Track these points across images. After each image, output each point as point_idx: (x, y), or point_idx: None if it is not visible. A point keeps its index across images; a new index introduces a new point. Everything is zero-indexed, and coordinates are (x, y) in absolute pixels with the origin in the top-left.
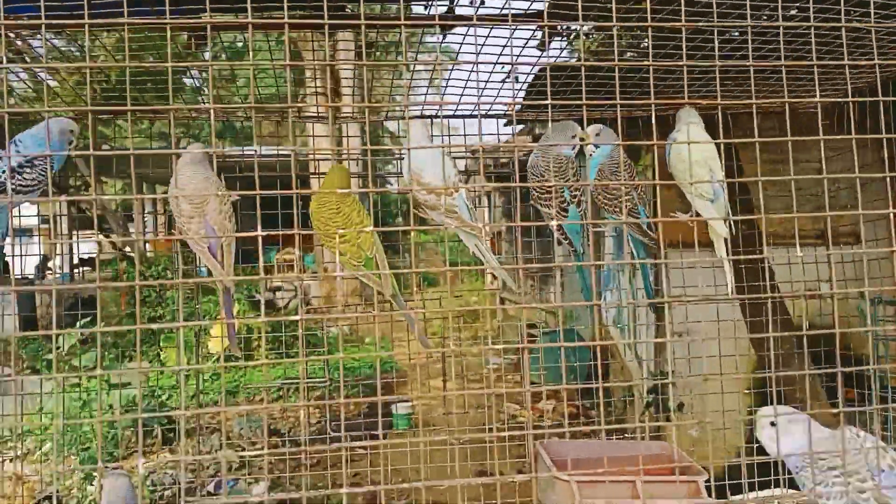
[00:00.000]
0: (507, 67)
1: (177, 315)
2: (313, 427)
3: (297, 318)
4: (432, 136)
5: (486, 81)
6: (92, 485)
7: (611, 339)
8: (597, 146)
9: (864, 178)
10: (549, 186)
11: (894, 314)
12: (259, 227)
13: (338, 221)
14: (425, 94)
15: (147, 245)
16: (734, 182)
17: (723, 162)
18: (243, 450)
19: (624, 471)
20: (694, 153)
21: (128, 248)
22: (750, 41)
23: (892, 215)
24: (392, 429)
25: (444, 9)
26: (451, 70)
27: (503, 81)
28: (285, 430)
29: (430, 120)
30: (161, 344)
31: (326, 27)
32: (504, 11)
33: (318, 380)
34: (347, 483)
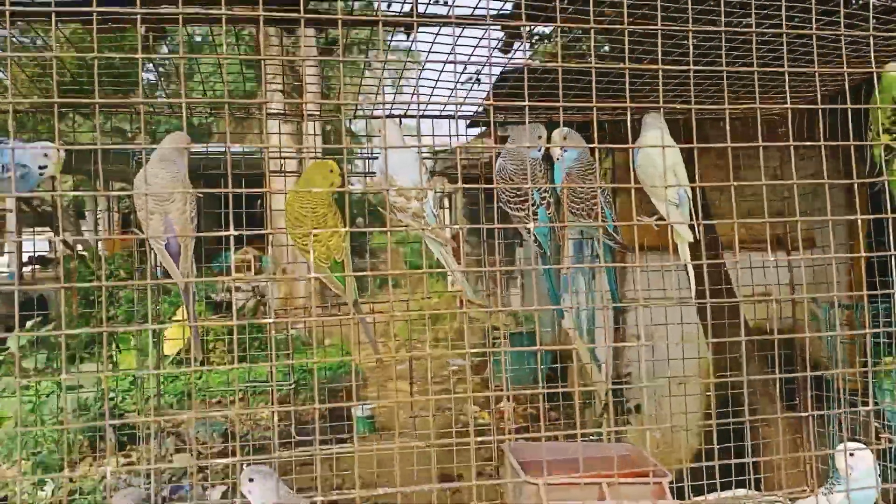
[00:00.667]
0: (473, 68)
1: (132, 315)
2: (271, 431)
3: (268, 320)
4: (404, 137)
5: (456, 83)
6: (43, 490)
7: (571, 342)
8: (564, 150)
9: (819, 186)
10: (522, 190)
11: (847, 318)
12: (231, 227)
13: (312, 221)
14: (394, 94)
15: (100, 244)
16: (695, 187)
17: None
18: (200, 454)
19: (590, 473)
20: (660, 158)
21: (80, 247)
22: (724, 47)
23: (853, 221)
24: (353, 432)
25: (409, 7)
26: (422, 69)
27: (473, 82)
28: (243, 434)
29: (399, 120)
30: (117, 345)
31: (303, 22)
32: (478, 12)
33: (284, 383)
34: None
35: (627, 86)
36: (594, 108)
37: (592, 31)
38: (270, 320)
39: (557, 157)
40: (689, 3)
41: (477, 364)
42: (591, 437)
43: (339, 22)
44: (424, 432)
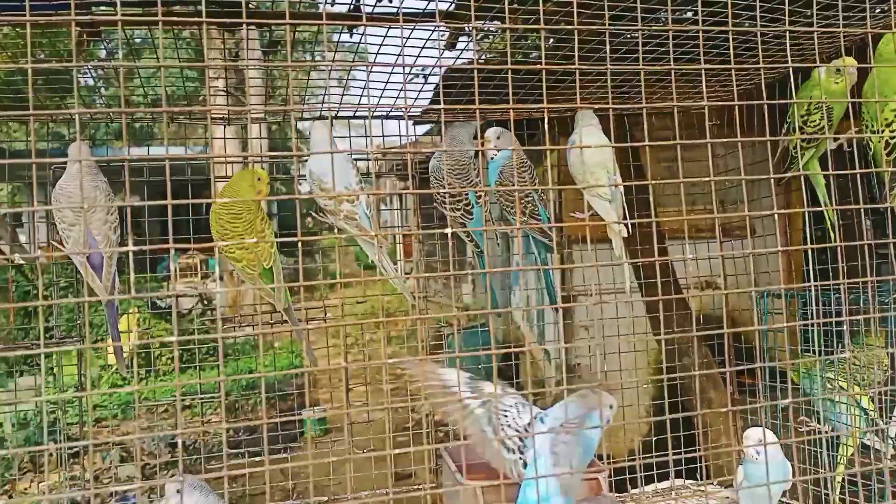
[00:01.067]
0: (411, 68)
1: (72, 326)
2: (220, 438)
3: (172, 338)
4: (334, 137)
5: (387, 82)
6: None
7: (522, 337)
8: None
9: (756, 173)
10: (454, 192)
11: (783, 307)
12: (140, 239)
13: (238, 227)
14: (326, 94)
15: (40, 252)
16: (632, 180)
17: (629, 161)
18: (147, 465)
19: None
20: (592, 155)
21: (17, 256)
22: (640, 45)
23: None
24: (304, 435)
25: (348, 7)
26: (357, 70)
27: (406, 82)
28: (191, 442)
29: (331, 122)
30: (53, 357)
31: (245, 25)
32: (411, 10)
33: (213, 395)
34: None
35: (545, 86)
36: (510, 110)
37: (508, 31)
38: (173, 338)
39: (491, 156)
40: (606, 1)
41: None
42: None
43: (287, 24)
44: (366, 437)
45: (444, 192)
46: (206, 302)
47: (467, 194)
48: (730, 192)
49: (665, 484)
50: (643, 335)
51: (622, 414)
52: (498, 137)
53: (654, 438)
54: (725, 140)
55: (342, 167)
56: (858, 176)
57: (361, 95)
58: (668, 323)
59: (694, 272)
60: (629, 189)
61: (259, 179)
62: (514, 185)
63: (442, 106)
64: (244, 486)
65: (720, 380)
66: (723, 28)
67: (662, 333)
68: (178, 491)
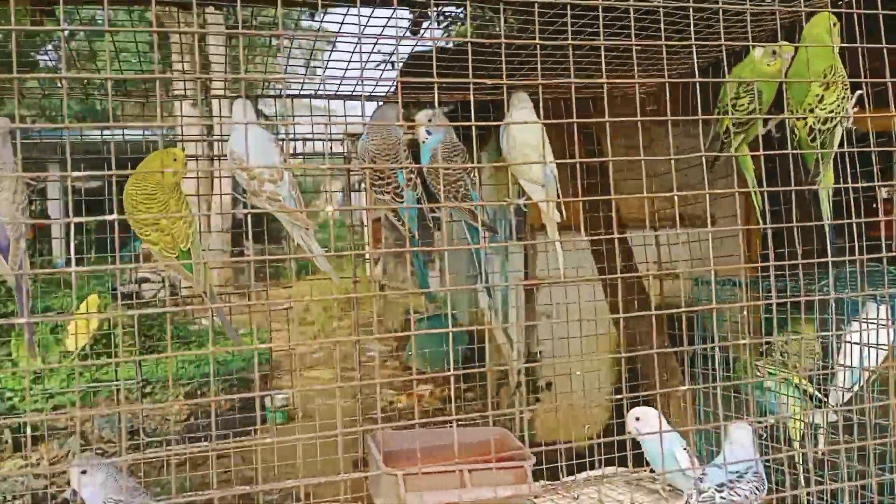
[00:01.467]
0: (384, 49)
1: (33, 310)
2: (181, 425)
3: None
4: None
5: (365, 62)
6: None
7: (486, 322)
8: (429, 131)
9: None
10: (384, 171)
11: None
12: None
13: (152, 208)
14: (304, 75)
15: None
16: (594, 166)
17: (573, 146)
18: (103, 452)
19: (451, 460)
20: (525, 138)
21: None
22: (536, 20)
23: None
24: (266, 423)
25: None
26: (331, 51)
27: (382, 63)
28: (150, 429)
29: (256, 100)
30: (12, 342)
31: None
32: None
33: (130, 381)
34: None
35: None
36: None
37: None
38: (59, 319)
39: (423, 138)
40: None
41: (395, 346)
42: (461, 422)
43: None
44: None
45: (373, 175)
46: (171, 287)
47: (396, 177)
48: (687, 178)
49: (597, 472)
50: (593, 320)
51: (582, 399)
52: (429, 120)
53: (615, 423)
54: (623, 119)
55: (264, 145)
56: (777, 159)
57: (367, 78)
58: (628, 309)
59: (646, 259)
60: (588, 176)
61: (175, 160)
62: (445, 168)
63: (435, 79)
64: (205, 472)
65: (676, 368)
66: (624, 3)
67: (621, 318)
68: (82, 472)
